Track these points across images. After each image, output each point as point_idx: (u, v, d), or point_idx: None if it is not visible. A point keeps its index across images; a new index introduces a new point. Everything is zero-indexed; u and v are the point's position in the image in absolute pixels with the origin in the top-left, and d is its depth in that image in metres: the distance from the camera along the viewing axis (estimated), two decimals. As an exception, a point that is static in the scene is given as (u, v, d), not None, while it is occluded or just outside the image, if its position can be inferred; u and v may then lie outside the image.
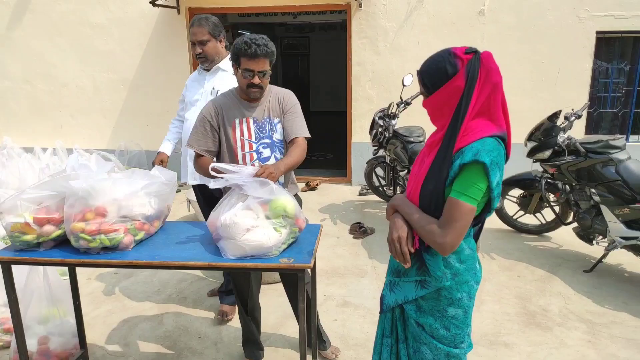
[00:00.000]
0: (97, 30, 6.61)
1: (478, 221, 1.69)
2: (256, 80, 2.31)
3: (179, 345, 2.96)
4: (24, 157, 5.35)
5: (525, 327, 3.12)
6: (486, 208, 1.62)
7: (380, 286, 3.65)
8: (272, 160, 2.43)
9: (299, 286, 2.02)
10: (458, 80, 1.52)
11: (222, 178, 2.04)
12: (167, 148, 3.27)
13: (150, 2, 5.85)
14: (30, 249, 2.08)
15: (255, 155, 2.42)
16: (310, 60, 14.78)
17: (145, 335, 3.06)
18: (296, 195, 2.61)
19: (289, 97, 2.50)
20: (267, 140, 2.44)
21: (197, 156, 2.43)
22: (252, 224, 1.99)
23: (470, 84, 1.52)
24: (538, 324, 3.16)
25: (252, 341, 2.76)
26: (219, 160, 2.49)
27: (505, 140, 1.58)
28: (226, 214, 2.02)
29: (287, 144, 2.47)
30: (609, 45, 6.11)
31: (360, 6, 6.06)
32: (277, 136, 2.47)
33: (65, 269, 3.03)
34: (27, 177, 5.06)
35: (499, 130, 1.56)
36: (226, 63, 3.01)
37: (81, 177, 2.14)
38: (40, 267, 2.61)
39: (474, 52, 1.54)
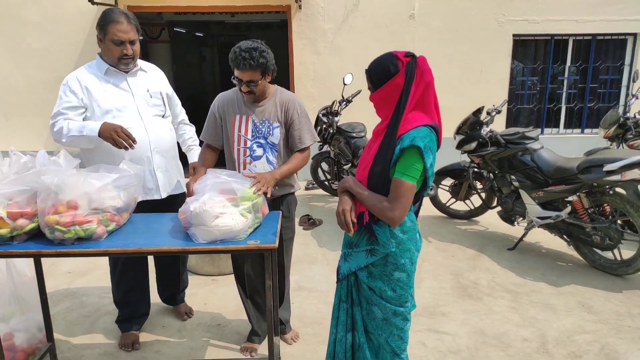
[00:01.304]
0: (31, 28, 6.40)
1: (417, 198, 2.02)
2: (245, 88, 2.46)
3: (143, 334, 3.08)
4: (-43, 159, 5.12)
5: (459, 299, 3.52)
6: (423, 186, 1.95)
7: (330, 271, 3.95)
8: (263, 159, 2.59)
9: (266, 265, 2.25)
10: (398, 78, 1.85)
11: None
12: None
13: (88, 0, 5.78)
14: (4, 242, 2.15)
15: (248, 152, 2.58)
16: (247, 60, 14.80)
17: (109, 328, 3.15)
18: (292, 195, 2.78)
19: (294, 106, 2.59)
20: (262, 141, 2.59)
21: (207, 147, 2.64)
22: (221, 211, 2.19)
23: (409, 82, 1.85)
24: (470, 295, 3.57)
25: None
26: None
27: (437, 129, 1.91)
28: (196, 203, 2.20)
29: (284, 148, 2.63)
30: (525, 47, 6.78)
31: (300, 8, 6.32)
32: (272, 139, 2.60)
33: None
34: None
35: (431, 121, 1.89)
36: (143, 63, 2.80)
37: (51, 172, 2.23)
38: (3, 266, 2.65)
39: (412, 55, 1.88)
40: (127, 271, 2.88)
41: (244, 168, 2.61)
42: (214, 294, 3.60)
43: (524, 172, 4.17)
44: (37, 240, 2.20)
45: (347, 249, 2.10)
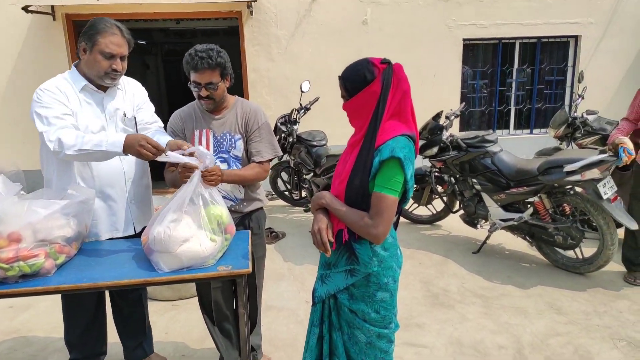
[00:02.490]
0: (-45, 38, 5.87)
1: (397, 211, 1.89)
2: (203, 92, 2.29)
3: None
4: None
5: (431, 308, 3.46)
6: (402, 198, 1.82)
7: (298, 287, 3.79)
8: None
9: (239, 291, 2.07)
10: (375, 85, 1.73)
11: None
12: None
13: (22, 8, 5.35)
14: None
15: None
16: (195, 67, 14.41)
17: (59, 367, 2.86)
18: (261, 210, 2.62)
19: (255, 116, 2.44)
20: (224, 155, 2.42)
21: (169, 168, 2.37)
22: (188, 235, 2.00)
23: (386, 89, 1.73)
24: (442, 303, 3.53)
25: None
26: None
27: (414, 139, 1.81)
28: (158, 227, 2.00)
29: (247, 161, 2.46)
30: (474, 51, 6.92)
31: (252, 14, 6.15)
32: (235, 152, 2.43)
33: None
34: None
35: (409, 130, 1.78)
36: (122, 78, 2.48)
37: (-13, 202, 1.97)
38: None
39: (388, 62, 1.77)
40: (82, 306, 2.53)
41: None
42: (176, 321, 3.36)
43: (485, 175, 4.19)
44: (-26, 280, 1.93)
45: (324, 270, 1.95)
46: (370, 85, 1.73)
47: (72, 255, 2.15)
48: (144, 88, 2.66)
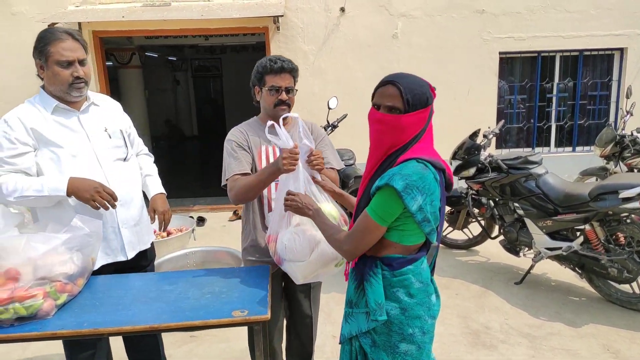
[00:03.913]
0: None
1: (422, 248, 1.69)
2: (284, 96, 2.16)
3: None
4: None
5: (472, 348, 3.13)
6: (426, 239, 1.66)
7: (324, 318, 3.54)
8: None
9: (256, 340, 1.83)
10: (427, 111, 1.58)
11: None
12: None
13: (49, 26, 5.33)
14: None
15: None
16: (223, 82, 14.48)
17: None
18: None
19: (317, 128, 2.36)
20: None
21: (233, 181, 2.14)
22: (318, 237, 1.87)
23: (430, 118, 1.60)
24: (483, 343, 3.19)
25: None
26: None
27: (433, 163, 1.58)
28: (287, 234, 1.91)
29: None
30: (511, 65, 6.58)
31: (279, 29, 6.00)
32: None
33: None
34: None
35: (430, 155, 1.58)
36: (96, 95, 2.31)
37: (-16, 235, 1.80)
38: None
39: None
40: (82, 344, 2.31)
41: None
42: (194, 355, 3.13)
43: (529, 200, 3.85)
44: (-33, 322, 1.74)
45: (348, 308, 1.75)
46: (426, 108, 1.57)
47: (76, 293, 1.96)
48: (118, 103, 2.45)
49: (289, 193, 1.85)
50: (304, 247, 1.86)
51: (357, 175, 4.53)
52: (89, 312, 1.83)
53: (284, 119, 2.09)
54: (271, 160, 2.20)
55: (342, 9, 6.02)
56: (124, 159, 2.27)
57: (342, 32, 6.11)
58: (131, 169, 2.32)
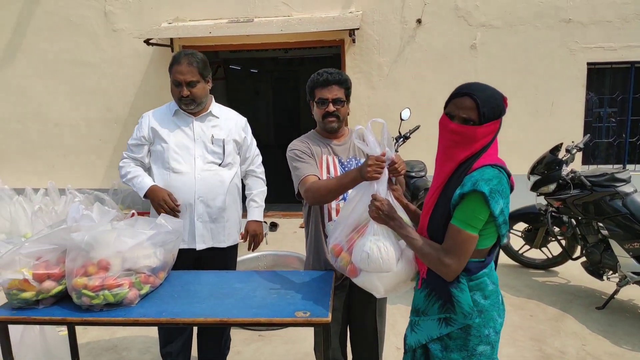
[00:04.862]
0: (90, 69, 6.57)
1: (492, 251, 1.70)
2: (330, 108, 2.21)
3: (182, 401, 2.78)
4: (15, 199, 5.19)
5: (544, 371, 2.99)
6: (498, 239, 1.67)
7: (389, 329, 3.51)
8: None
9: (316, 342, 1.90)
10: (498, 123, 1.61)
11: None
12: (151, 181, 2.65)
13: (144, 41, 5.84)
14: (29, 306, 1.93)
15: (340, 196, 2.20)
16: (300, 93, 14.86)
17: (146, 391, 2.88)
18: None
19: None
20: None
21: (309, 181, 2.16)
22: (401, 249, 1.80)
23: (499, 129, 1.63)
24: (557, 367, 3.04)
25: None
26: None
27: (506, 170, 1.63)
28: (364, 242, 1.78)
29: None
30: (601, 76, 6.20)
31: (354, 42, 6.11)
32: None
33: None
34: (19, 220, 4.90)
35: (497, 161, 1.62)
36: (216, 108, 2.71)
37: (83, 228, 2.02)
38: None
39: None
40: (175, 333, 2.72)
41: (336, 212, 2.23)
42: (261, 354, 3.26)
43: (615, 220, 3.60)
44: (64, 304, 1.97)
45: (414, 316, 1.78)
46: (497, 120, 1.60)
47: (157, 285, 2.14)
48: (245, 120, 2.84)
49: (375, 198, 1.77)
50: (390, 257, 1.75)
51: (427, 187, 4.48)
52: (168, 302, 2.00)
53: (334, 130, 2.20)
54: (332, 170, 2.23)
55: (419, 21, 6.01)
56: (219, 164, 2.61)
57: (417, 43, 6.09)
58: (224, 174, 2.63)
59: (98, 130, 6.71)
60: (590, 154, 6.33)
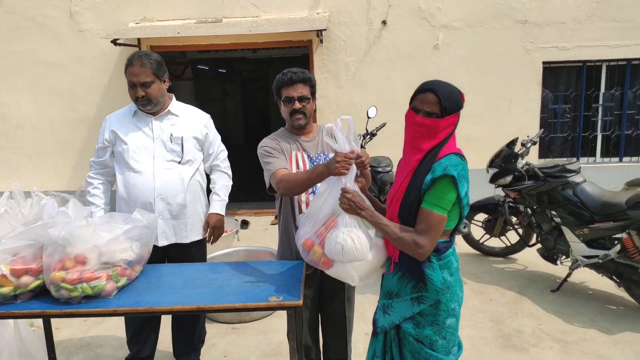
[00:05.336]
0: (55, 70, 6.50)
1: (454, 233, 1.88)
2: (297, 105, 2.30)
3: (158, 393, 2.86)
4: (-21, 202, 5.09)
5: (502, 350, 3.20)
6: (459, 218, 1.83)
7: (358, 317, 3.65)
8: None
9: (289, 325, 2.02)
10: (457, 116, 1.78)
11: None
12: None
13: (111, 42, 5.82)
14: (7, 301, 1.99)
15: (309, 189, 2.32)
16: (270, 93, 14.88)
17: (122, 385, 2.94)
18: None
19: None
20: None
21: (280, 174, 2.25)
22: (372, 238, 1.90)
23: (458, 121, 1.81)
24: (514, 346, 3.25)
25: None
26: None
27: (465, 159, 1.81)
28: (336, 234, 1.87)
29: None
30: (555, 74, 6.54)
31: (322, 42, 6.25)
32: None
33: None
34: (-17, 223, 4.81)
35: (459, 150, 1.81)
36: (176, 107, 2.75)
37: (59, 224, 2.08)
38: (11, 321, 2.49)
39: None
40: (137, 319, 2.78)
41: (305, 205, 2.34)
42: (235, 345, 3.36)
43: (567, 208, 3.86)
44: (43, 298, 2.03)
45: (386, 299, 1.92)
46: (457, 113, 1.78)
47: (134, 278, 2.21)
48: (208, 117, 2.87)
49: (346, 191, 1.86)
50: (363, 246, 1.84)
51: (393, 182, 4.66)
52: (145, 294, 2.08)
53: (301, 126, 2.31)
54: (301, 165, 2.35)
55: (384, 22, 6.21)
56: (179, 162, 2.66)
57: (383, 43, 6.29)
58: (183, 172, 2.68)
59: (63, 131, 6.63)
60: (546, 148, 6.66)
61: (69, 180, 6.69)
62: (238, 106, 15.10)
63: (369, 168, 2.25)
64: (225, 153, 2.95)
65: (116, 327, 3.63)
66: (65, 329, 3.61)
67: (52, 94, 6.55)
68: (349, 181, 1.91)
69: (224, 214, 2.84)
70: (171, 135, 2.66)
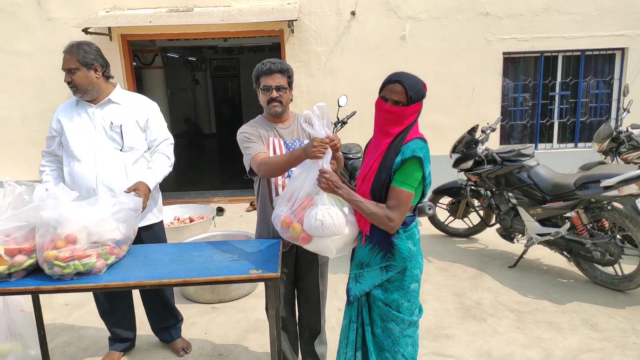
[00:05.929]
0: (24, 59, 6.43)
1: (416, 209, 2.14)
2: (274, 94, 2.45)
3: (143, 367, 3.03)
4: (-49, 192, 5.07)
5: (463, 320, 3.49)
6: (422, 196, 2.09)
7: (331, 295, 3.90)
8: None
9: (267, 295, 2.22)
10: (421, 104, 2.01)
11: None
12: None
13: (82, 30, 5.82)
14: (2, 279, 2.11)
15: (285, 173, 2.48)
16: (240, 81, 14.93)
17: (108, 361, 3.08)
18: None
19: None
20: None
21: (260, 157, 2.38)
22: (346, 212, 2.10)
23: (421, 109, 2.04)
24: (474, 316, 3.54)
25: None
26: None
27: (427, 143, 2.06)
28: (320, 211, 2.05)
29: None
30: (515, 64, 6.88)
31: (293, 32, 6.39)
32: None
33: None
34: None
35: (422, 135, 2.06)
36: (117, 95, 2.81)
37: (49, 207, 2.21)
38: (0, 303, 2.61)
39: None
40: (105, 294, 3.02)
41: (282, 188, 2.50)
42: (215, 323, 3.54)
43: (522, 189, 4.17)
44: (36, 276, 2.17)
45: (358, 269, 2.15)
46: (420, 102, 2.01)
47: (121, 256, 2.37)
48: (153, 105, 2.93)
49: (324, 171, 2.03)
50: (340, 221, 2.04)
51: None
52: (133, 270, 2.24)
53: (278, 114, 2.48)
54: (277, 151, 2.51)
55: (353, 13, 6.39)
56: (120, 149, 2.75)
57: (352, 34, 6.48)
58: (125, 158, 2.76)
59: (34, 121, 6.58)
60: (507, 135, 7.02)
61: (41, 170, 6.66)
62: (209, 95, 15.07)
63: (341, 153, 2.46)
64: (170, 142, 2.95)
65: (97, 311, 3.75)
66: (47, 313, 3.69)
67: (22, 84, 6.48)
68: (325, 163, 2.10)
69: (151, 187, 2.74)
70: (111, 123, 2.74)
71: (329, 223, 2.03)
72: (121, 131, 2.75)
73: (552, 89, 6.94)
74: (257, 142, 2.48)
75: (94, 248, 2.19)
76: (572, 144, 7.08)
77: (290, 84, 2.54)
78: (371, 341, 2.12)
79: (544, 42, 6.58)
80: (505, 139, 7.01)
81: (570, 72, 6.88)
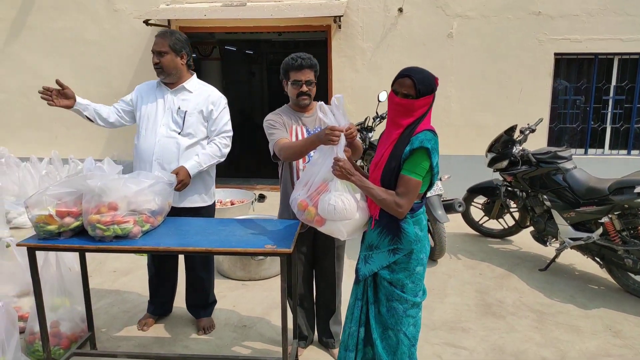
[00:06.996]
0: (92, 47, 6.97)
1: (424, 197, 2.26)
2: (304, 88, 2.68)
3: (175, 330, 3.31)
4: (22, 166, 5.64)
5: (481, 316, 3.53)
6: (430, 185, 2.21)
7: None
8: None
9: (281, 269, 2.40)
10: (431, 97, 2.12)
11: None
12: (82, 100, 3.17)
13: (143, 22, 6.24)
14: (52, 237, 2.42)
15: (307, 158, 2.69)
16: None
17: (144, 323, 3.39)
18: None
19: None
20: None
21: (281, 142, 2.59)
22: (358, 197, 2.26)
23: (433, 102, 2.15)
24: (493, 313, 3.57)
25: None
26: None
27: (437, 135, 2.16)
28: (329, 197, 2.20)
29: None
30: (568, 65, 6.68)
31: (340, 28, 6.54)
32: None
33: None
34: (26, 184, 5.36)
35: (432, 128, 2.16)
36: (192, 84, 3.07)
37: (96, 177, 2.50)
38: (54, 260, 2.95)
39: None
40: (156, 262, 3.28)
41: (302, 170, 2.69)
42: (243, 298, 3.78)
43: (556, 192, 4.13)
44: (81, 237, 2.46)
45: (367, 251, 2.29)
46: (431, 95, 2.11)
47: (156, 225, 2.63)
48: (221, 98, 3.13)
49: (338, 159, 2.15)
50: (352, 207, 2.17)
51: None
52: (164, 238, 2.50)
53: (306, 106, 2.65)
54: (299, 137, 2.70)
55: (400, 10, 6.45)
56: (179, 133, 3.00)
57: (398, 31, 6.54)
58: (181, 141, 3.00)
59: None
60: (554, 138, 6.83)
61: (103, 150, 7.21)
62: (263, 87, 15.48)
63: (359, 141, 2.60)
64: (228, 135, 3.13)
65: (141, 278, 4.09)
66: (96, 277, 4.10)
67: (89, 70, 7.04)
68: (340, 151, 2.24)
69: (191, 173, 2.96)
70: (178, 108, 3.00)
71: (341, 208, 2.18)
72: (184, 117, 3.01)
73: (606, 92, 6.68)
74: (280, 129, 2.67)
75: (132, 215, 2.47)
76: (625, 151, 6.79)
77: (317, 78, 2.72)
78: (374, 318, 2.26)
79: (598, 43, 6.35)
80: (553, 142, 6.83)
81: (626, 75, 6.59)
